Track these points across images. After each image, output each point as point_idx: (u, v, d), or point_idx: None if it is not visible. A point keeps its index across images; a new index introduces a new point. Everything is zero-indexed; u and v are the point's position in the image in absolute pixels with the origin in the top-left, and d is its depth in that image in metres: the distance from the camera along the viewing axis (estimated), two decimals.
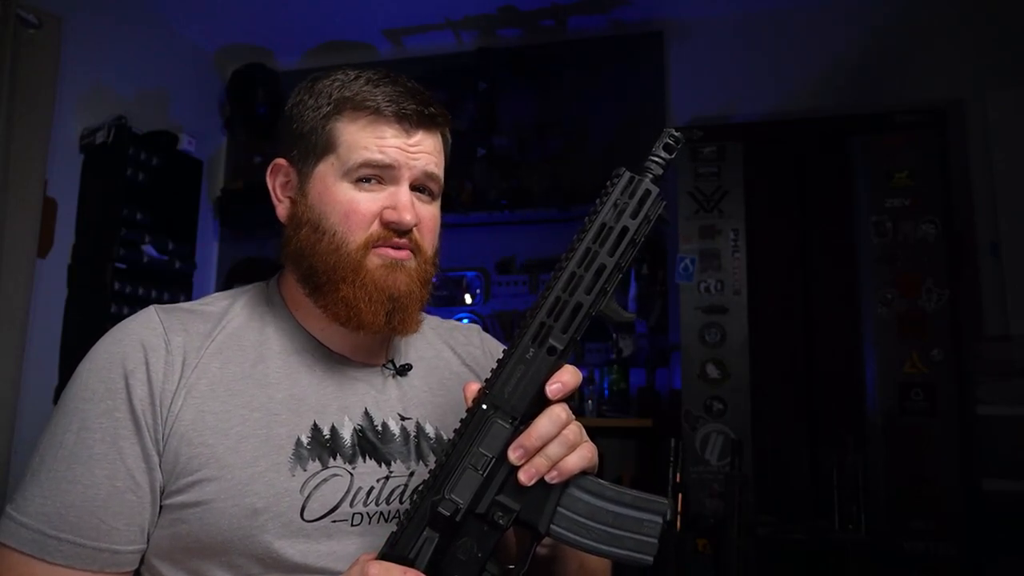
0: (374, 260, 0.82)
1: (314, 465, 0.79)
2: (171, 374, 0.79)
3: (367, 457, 0.83)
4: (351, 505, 0.80)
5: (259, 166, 3.36)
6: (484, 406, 0.71)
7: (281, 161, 0.89)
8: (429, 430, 0.90)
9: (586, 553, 0.74)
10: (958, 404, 2.38)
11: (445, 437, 0.89)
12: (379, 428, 0.86)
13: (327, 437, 0.82)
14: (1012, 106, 2.68)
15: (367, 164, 0.83)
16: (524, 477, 0.69)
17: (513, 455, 0.69)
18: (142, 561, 0.80)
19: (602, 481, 0.74)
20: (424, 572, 0.68)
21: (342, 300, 0.82)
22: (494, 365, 0.73)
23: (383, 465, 0.84)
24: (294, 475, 0.78)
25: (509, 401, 0.71)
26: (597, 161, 3.08)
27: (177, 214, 3.01)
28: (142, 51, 3.02)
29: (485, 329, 1.10)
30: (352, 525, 0.80)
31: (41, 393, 2.50)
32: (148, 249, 2.82)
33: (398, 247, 0.84)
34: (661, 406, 2.81)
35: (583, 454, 0.71)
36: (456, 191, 3.14)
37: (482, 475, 0.70)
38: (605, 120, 3.12)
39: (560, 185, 3.06)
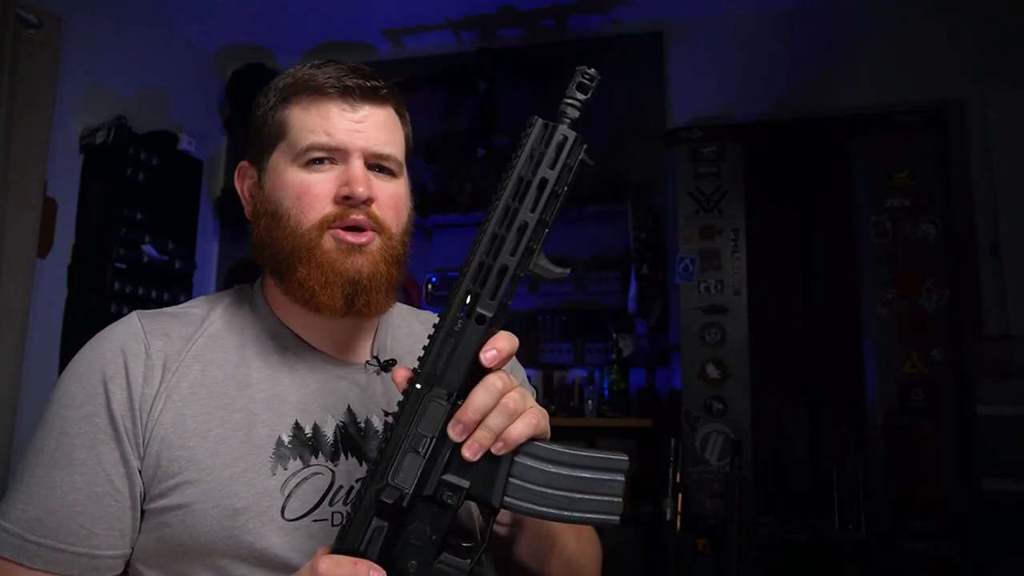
0: (329, 242, 0.81)
1: (295, 464, 0.79)
2: (151, 379, 0.79)
3: (349, 455, 0.82)
4: (331, 504, 0.80)
5: None
6: (418, 385, 0.68)
7: (244, 163, 0.90)
8: None
9: (550, 522, 0.71)
10: (958, 404, 2.38)
11: None
12: (362, 425, 0.85)
13: (309, 435, 0.81)
14: (1012, 106, 2.68)
15: (314, 146, 0.82)
16: (468, 453, 0.67)
17: (452, 432, 0.66)
18: (129, 566, 0.80)
19: (553, 446, 0.70)
20: (376, 562, 0.66)
21: (298, 281, 0.81)
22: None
23: (364, 463, 0.83)
24: (275, 474, 0.78)
25: (442, 377, 0.68)
26: (597, 161, 3.07)
27: (177, 214, 3.01)
28: (142, 51, 3.02)
29: None
30: (333, 524, 0.79)
31: (41, 393, 2.49)
32: (148, 249, 2.82)
33: (357, 228, 0.81)
34: (661, 406, 2.81)
35: (528, 421, 0.68)
36: (456, 191, 3.14)
37: (424, 457, 0.67)
38: (605, 120, 3.12)
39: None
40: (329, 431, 0.82)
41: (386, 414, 0.87)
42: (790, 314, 2.58)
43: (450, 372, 0.68)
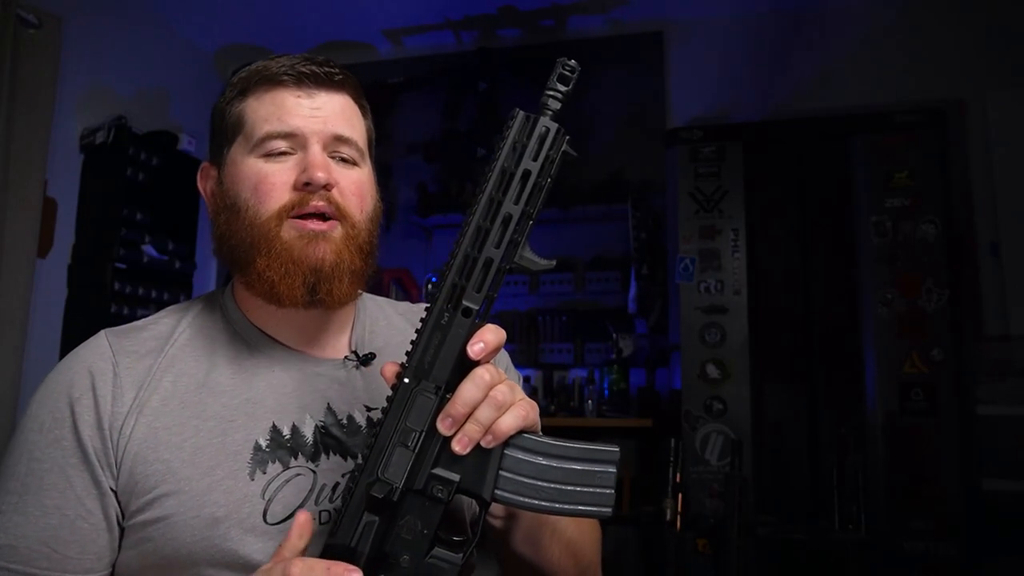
0: (290, 232, 0.79)
1: (275, 467, 0.78)
2: (120, 397, 0.78)
3: (331, 453, 0.81)
4: (316, 503, 0.79)
5: None
6: (406, 380, 0.68)
7: (205, 164, 0.89)
8: None
9: (544, 515, 0.71)
10: (958, 404, 2.38)
11: None
12: (344, 422, 0.83)
13: (287, 437, 0.80)
14: (1012, 106, 2.68)
15: (270, 134, 0.81)
16: (458, 447, 0.66)
17: (442, 426, 0.66)
18: None
19: (544, 438, 0.70)
20: (368, 556, 0.66)
21: (257, 273, 0.79)
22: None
23: (349, 459, 0.81)
24: (254, 479, 0.77)
25: (430, 371, 0.68)
26: (597, 161, 3.08)
27: (177, 214, 3.01)
28: (142, 51, 3.02)
29: None
30: (320, 523, 0.78)
31: None
32: (148, 249, 2.82)
33: (318, 216, 0.80)
34: (661, 406, 2.80)
35: (518, 413, 0.68)
36: (456, 191, 3.14)
37: (413, 451, 0.67)
38: (605, 120, 3.12)
39: (560, 185, 3.06)
40: (308, 431, 0.81)
41: (368, 409, 0.86)
42: (790, 314, 2.58)
43: (438, 366, 0.68)
